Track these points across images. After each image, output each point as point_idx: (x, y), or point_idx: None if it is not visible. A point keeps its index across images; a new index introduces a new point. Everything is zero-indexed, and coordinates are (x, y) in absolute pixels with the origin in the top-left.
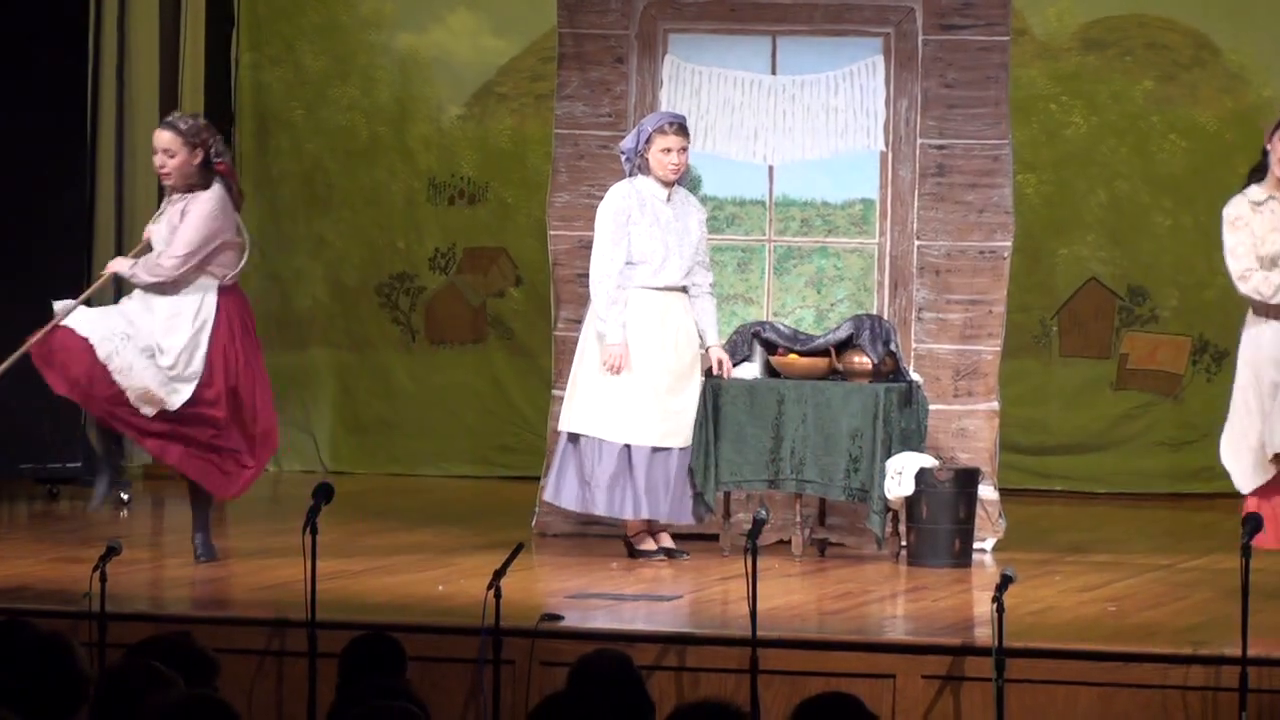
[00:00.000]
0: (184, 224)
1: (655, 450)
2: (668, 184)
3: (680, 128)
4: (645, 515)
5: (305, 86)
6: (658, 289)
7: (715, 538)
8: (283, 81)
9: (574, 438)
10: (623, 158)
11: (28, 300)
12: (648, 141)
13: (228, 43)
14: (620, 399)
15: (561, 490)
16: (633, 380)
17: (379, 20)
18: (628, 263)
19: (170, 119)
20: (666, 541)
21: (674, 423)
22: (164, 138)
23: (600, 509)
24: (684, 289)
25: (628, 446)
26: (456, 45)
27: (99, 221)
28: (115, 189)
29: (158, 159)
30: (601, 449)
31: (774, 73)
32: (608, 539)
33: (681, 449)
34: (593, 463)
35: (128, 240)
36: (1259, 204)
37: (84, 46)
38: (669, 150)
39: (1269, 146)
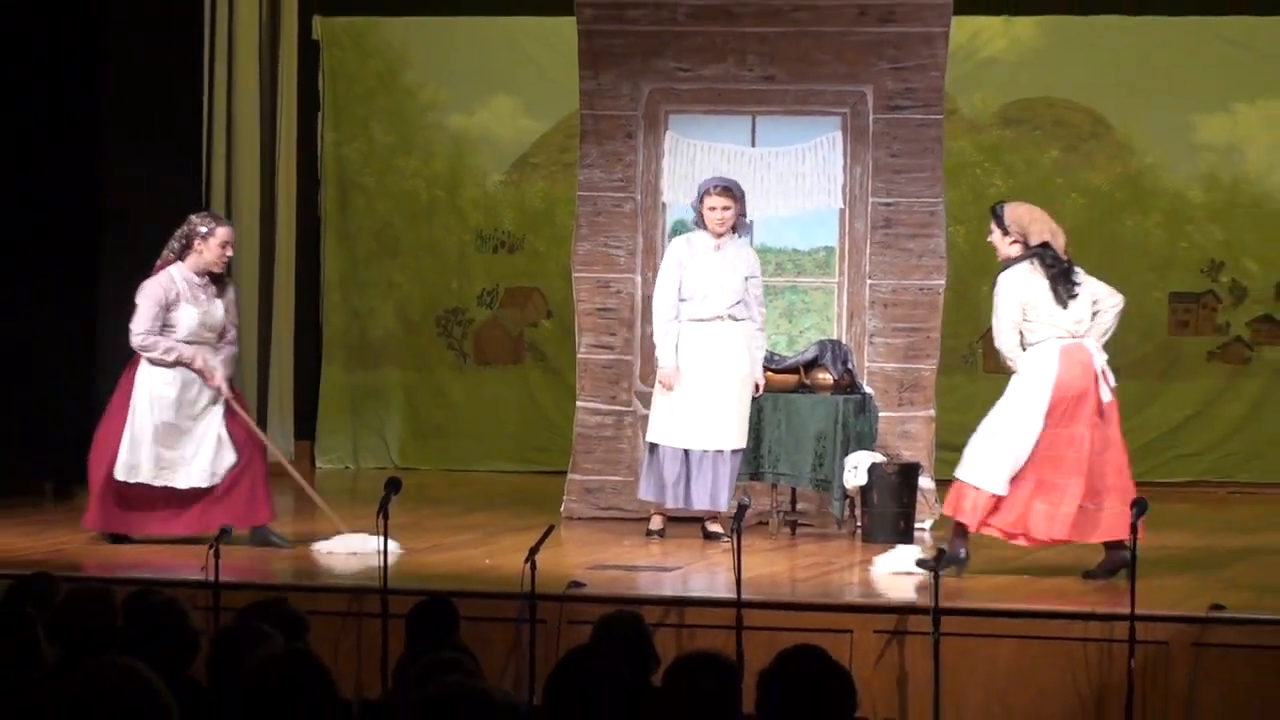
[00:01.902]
0: (234, 308)
1: (706, 452)
2: (717, 235)
3: (724, 190)
4: (704, 507)
5: (376, 158)
6: (704, 320)
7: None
8: (359, 154)
9: (652, 446)
10: (694, 212)
11: None
12: (701, 200)
13: (314, 123)
14: (677, 412)
15: (648, 490)
16: (686, 395)
17: (435, 105)
18: (682, 300)
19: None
20: (714, 527)
21: (723, 428)
22: (233, 233)
23: (669, 502)
24: (733, 318)
25: (687, 451)
26: (498, 124)
27: None
28: None
29: (229, 251)
30: (666, 454)
31: (753, 145)
32: (622, 521)
33: (733, 450)
34: (662, 465)
35: (235, 282)
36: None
37: (200, 126)
38: (714, 208)
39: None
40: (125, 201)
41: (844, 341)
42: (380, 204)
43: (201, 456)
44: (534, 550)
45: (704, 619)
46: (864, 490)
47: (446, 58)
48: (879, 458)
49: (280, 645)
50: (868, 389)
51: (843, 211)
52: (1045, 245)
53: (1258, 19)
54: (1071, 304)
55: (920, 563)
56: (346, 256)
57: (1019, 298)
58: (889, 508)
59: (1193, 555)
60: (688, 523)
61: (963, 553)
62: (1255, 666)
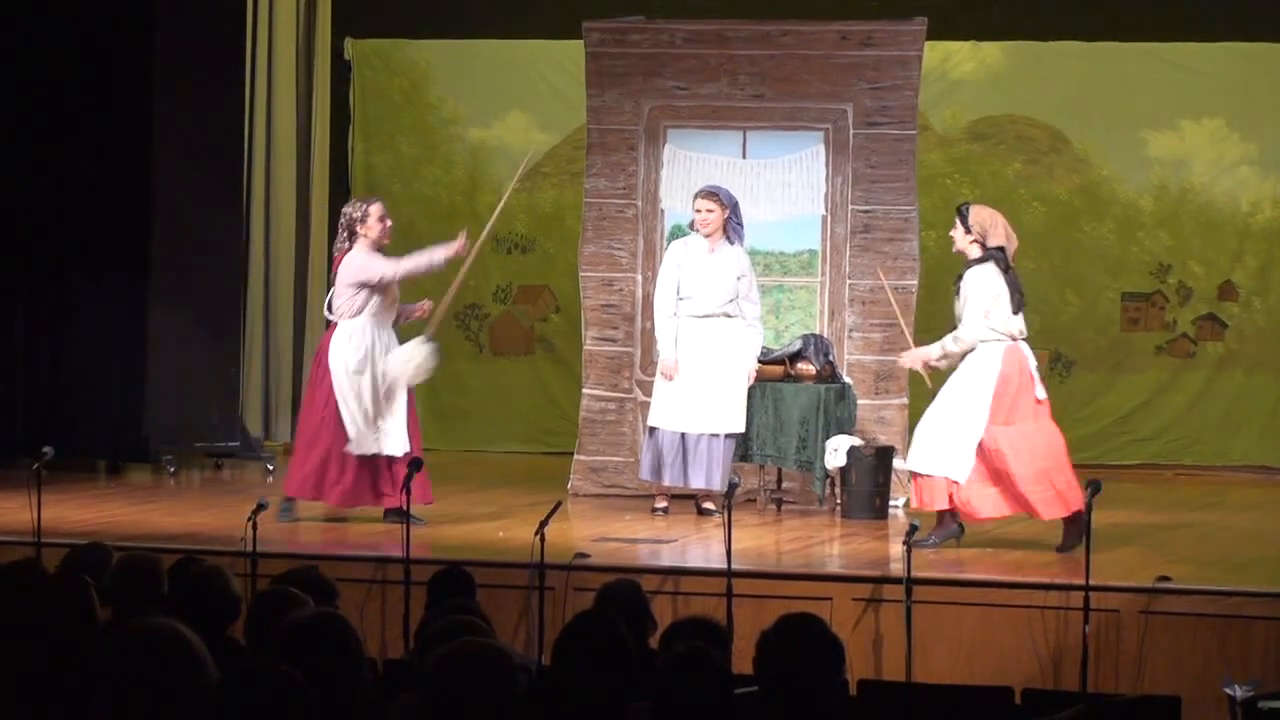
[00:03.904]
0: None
1: (702, 435)
2: (706, 236)
3: (708, 194)
4: (700, 485)
5: (402, 167)
6: (700, 316)
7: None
8: (386, 164)
9: (651, 430)
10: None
11: (194, 321)
12: (693, 204)
13: (346, 135)
14: (676, 399)
15: (646, 468)
16: (684, 384)
17: (456, 119)
18: (681, 298)
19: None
20: (708, 504)
21: (718, 414)
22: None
23: (665, 481)
24: (727, 315)
25: (684, 434)
26: (512, 137)
27: (251, 263)
28: (264, 239)
29: (388, 221)
30: (664, 437)
31: (744, 157)
32: (623, 498)
33: (727, 435)
34: (660, 446)
35: (273, 278)
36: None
37: (241, 136)
38: (699, 210)
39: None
40: (173, 203)
41: (826, 336)
42: (405, 208)
43: (398, 428)
44: (543, 524)
45: (697, 587)
46: (843, 471)
47: (466, 77)
48: (857, 441)
49: (312, 609)
50: (847, 379)
51: (825, 218)
52: (1000, 249)
53: (1202, 45)
54: (1020, 310)
55: (912, 543)
56: None
57: (992, 292)
58: (866, 486)
59: (1142, 531)
60: (685, 499)
61: (955, 526)
62: (1197, 632)
